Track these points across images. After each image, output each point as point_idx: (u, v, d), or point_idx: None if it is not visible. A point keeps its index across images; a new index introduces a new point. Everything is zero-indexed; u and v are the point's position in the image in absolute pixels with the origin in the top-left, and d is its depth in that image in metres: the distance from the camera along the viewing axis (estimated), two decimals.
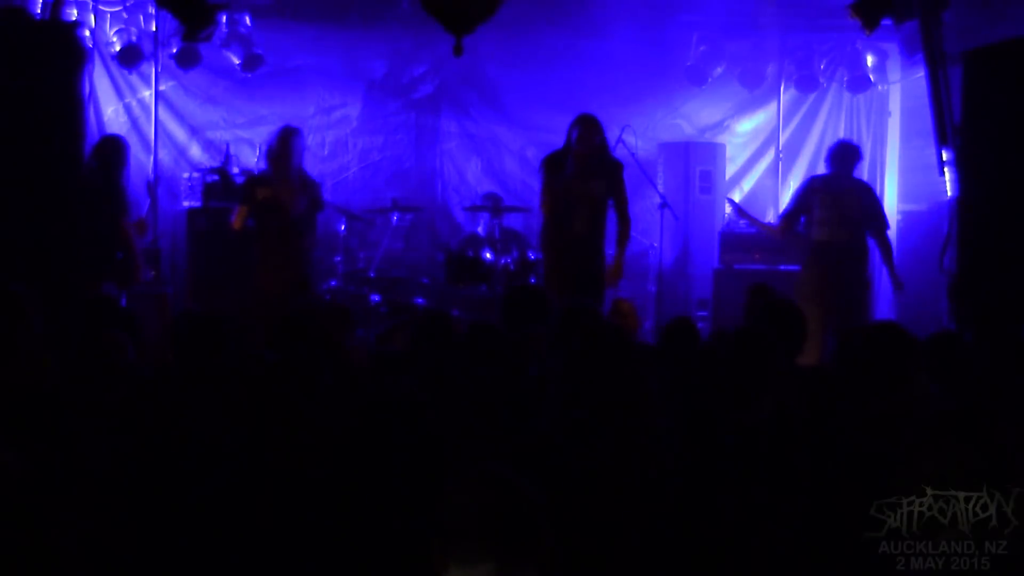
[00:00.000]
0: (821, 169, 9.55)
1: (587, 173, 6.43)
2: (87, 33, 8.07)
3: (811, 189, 7.32)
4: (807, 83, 9.29)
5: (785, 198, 9.57)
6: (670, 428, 3.21)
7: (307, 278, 6.94)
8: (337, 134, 9.20)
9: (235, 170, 8.27)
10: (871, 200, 7.37)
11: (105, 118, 8.54)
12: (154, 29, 8.41)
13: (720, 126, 9.57)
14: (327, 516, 2.81)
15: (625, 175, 6.67)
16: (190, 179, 8.28)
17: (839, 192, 7.22)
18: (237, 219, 6.83)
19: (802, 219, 7.32)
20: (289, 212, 6.74)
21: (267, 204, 6.74)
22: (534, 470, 2.79)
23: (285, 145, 6.81)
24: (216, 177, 8.10)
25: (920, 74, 6.83)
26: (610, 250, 6.79)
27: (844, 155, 7.36)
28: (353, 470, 2.95)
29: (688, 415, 3.31)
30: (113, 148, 6.87)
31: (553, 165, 6.50)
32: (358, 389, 3.66)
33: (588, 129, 6.42)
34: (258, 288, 6.74)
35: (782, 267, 8.23)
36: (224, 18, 7.98)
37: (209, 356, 3.83)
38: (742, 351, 3.52)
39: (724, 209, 9.01)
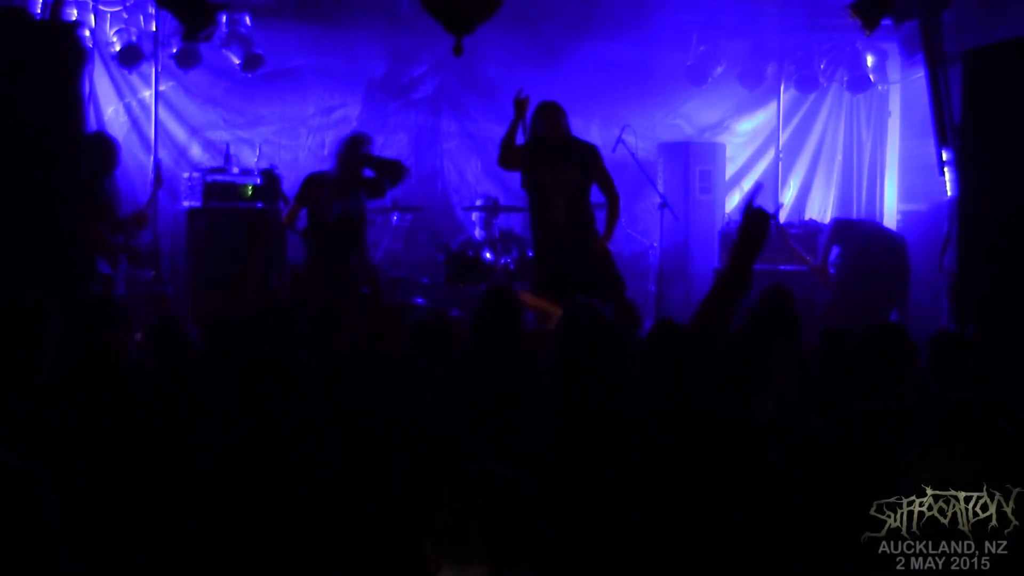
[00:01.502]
0: (821, 170, 9.63)
1: (558, 162, 6.33)
2: (87, 33, 8.06)
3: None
4: (807, 83, 9.29)
5: (786, 198, 9.59)
6: (668, 426, 3.21)
7: (355, 281, 6.96)
8: (337, 134, 9.17)
9: (235, 170, 8.27)
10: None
11: (105, 118, 8.54)
12: (154, 29, 8.40)
13: (720, 126, 9.58)
14: (324, 516, 2.82)
15: (625, 174, 6.64)
16: (190, 179, 8.27)
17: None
18: (289, 215, 6.89)
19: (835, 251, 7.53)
20: (344, 214, 6.78)
21: (318, 204, 6.79)
22: (529, 470, 2.79)
23: (355, 150, 6.86)
24: (216, 178, 8.11)
25: (920, 74, 6.84)
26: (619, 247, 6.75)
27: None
28: (350, 469, 2.95)
29: (687, 414, 3.31)
30: (91, 148, 6.82)
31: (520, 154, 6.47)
32: (357, 388, 3.66)
33: (551, 117, 6.32)
34: (307, 286, 6.77)
35: (782, 267, 8.23)
36: (224, 18, 7.98)
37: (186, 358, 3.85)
38: (741, 350, 3.52)
39: (725, 210, 9.02)
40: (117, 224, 6.87)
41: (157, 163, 7.89)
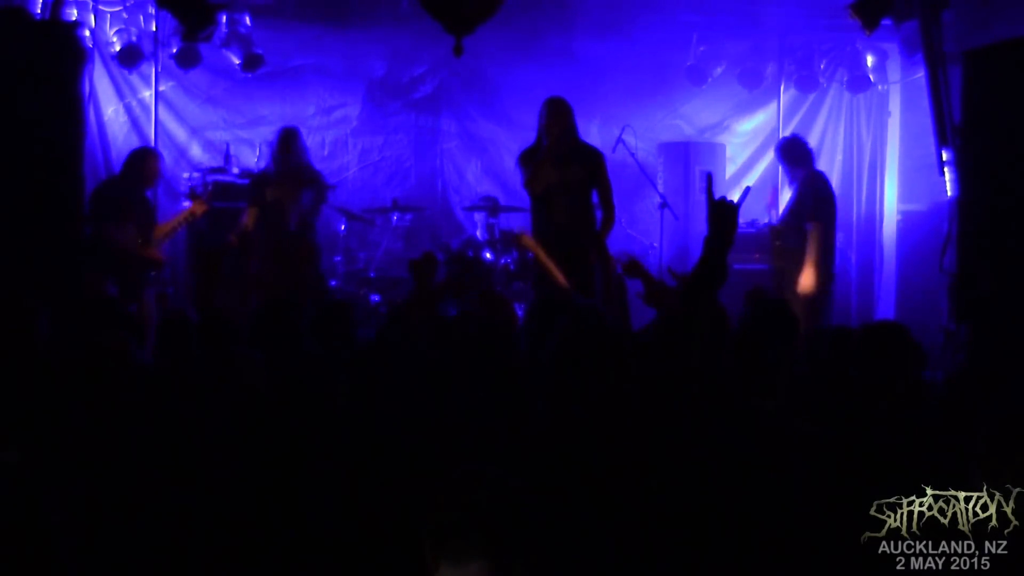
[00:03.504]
0: (822, 169, 9.59)
1: (561, 160, 6.25)
2: (87, 33, 8.06)
3: (821, 186, 7.39)
4: (807, 83, 9.29)
5: (785, 198, 9.57)
6: (666, 424, 3.21)
7: (318, 276, 6.97)
8: (337, 134, 9.20)
9: (235, 170, 8.28)
10: None
11: (105, 118, 8.54)
12: (154, 29, 8.40)
13: (720, 126, 9.58)
14: (322, 515, 2.82)
15: (625, 175, 6.58)
16: (190, 179, 8.28)
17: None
18: (249, 220, 6.87)
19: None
20: (295, 211, 6.80)
21: (275, 204, 6.81)
22: (528, 468, 2.80)
23: (287, 144, 6.86)
24: (217, 178, 8.12)
25: (920, 74, 6.83)
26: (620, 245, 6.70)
27: (802, 150, 7.48)
28: (349, 467, 2.95)
29: (686, 411, 3.31)
30: (129, 159, 6.99)
31: (528, 158, 6.37)
32: (355, 384, 3.66)
33: (555, 114, 6.24)
34: (267, 288, 6.76)
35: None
36: (224, 18, 7.98)
37: (196, 355, 3.85)
38: (742, 351, 3.52)
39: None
40: (152, 232, 6.95)
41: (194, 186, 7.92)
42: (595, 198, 6.44)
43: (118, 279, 6.65)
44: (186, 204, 7.56)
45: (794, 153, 7.44)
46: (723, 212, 3.48)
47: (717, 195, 3.55)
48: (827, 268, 7.29)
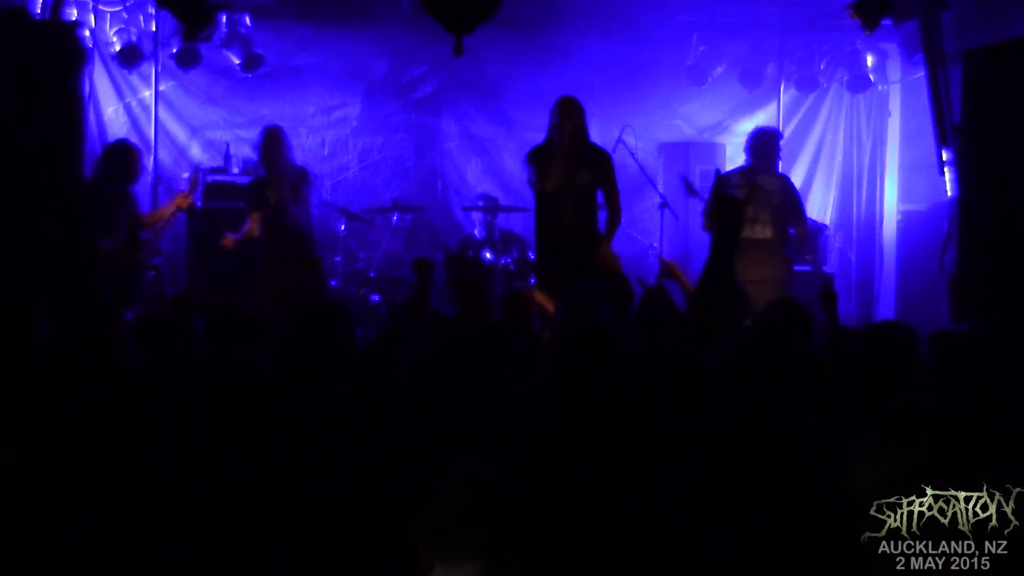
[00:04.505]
0: (821, 170, 9.61)
1: (571, 162, 6.23)
2: (87, 33, 8.06)
3: (733, 186, 7.35)
4: (807, 83, 9.29)
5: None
6: (663, 423, 3.21)
7: (319, 275, 7.00)
8: (337, 134, 9.20)
9: (235, 170, 8.28)
10: (793, 194, 7.66)
11: (105, 118, 8.54)
12: (154, 29, 8.40)
13: (720, 126, 9.57)
14: (318, 514, 2.82)
15: (625, 174, 6.57)
16: (190, 179, 8.28)
17: (767, 189, 7.45)
18: (254, 226, 6.86)
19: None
20: (291, 209, 6.82)
21: (275, 205, 6.82)
22: (523, 468, 2.80)
23: (273, 144, 6.87)
24: (216, 177, 8.12)
25: (920, 74, 6.84)
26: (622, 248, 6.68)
27: (766, 145, 7.53)
28: (346, 467, 2.96)
29: (684, 411, 3.31)
30: (110, 157, 6.93)
31: (538, 156, 6.36)
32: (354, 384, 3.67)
33: (568, 114, 6.22)
34: (274, 285, 6.77)
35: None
36: (224, 18, 7.99)
37: (173, 354, 3.86)
38: (744, 349, 3.53)
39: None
40: (138, 227, 6.91)
41: (196, 167, 7.91)
42: (600, 198, 6.45)
43: (109, 287, 6.60)
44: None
45: (747, 143, 7.67)
46: (728, 209, 3.49)
47: (693, 195, 3.57)
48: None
